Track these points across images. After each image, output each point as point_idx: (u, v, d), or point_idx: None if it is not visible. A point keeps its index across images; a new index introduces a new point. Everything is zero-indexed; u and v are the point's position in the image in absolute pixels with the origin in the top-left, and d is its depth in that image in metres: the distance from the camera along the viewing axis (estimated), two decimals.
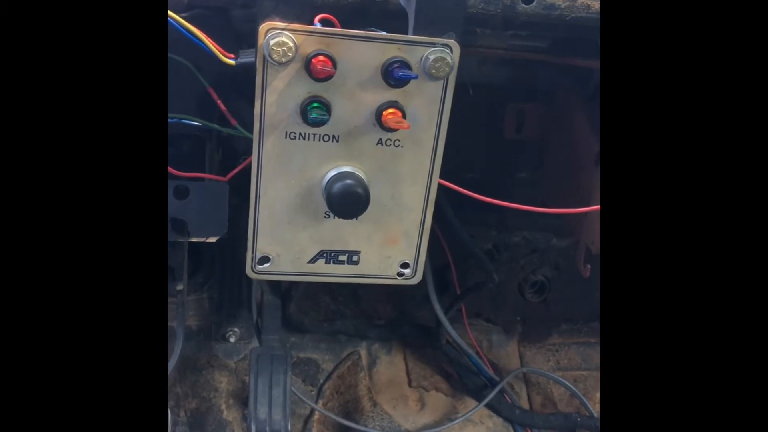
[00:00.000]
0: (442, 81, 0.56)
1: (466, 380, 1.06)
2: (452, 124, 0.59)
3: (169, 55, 0.57)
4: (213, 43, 0.55)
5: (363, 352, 1.11)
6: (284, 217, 0.61)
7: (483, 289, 1.00)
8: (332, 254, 0.64)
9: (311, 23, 0.54)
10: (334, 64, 0.54)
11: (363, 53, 0.55)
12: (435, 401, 1.09)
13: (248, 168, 0.60)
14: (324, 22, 0.55)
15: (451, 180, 0.63)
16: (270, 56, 0.53)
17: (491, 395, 1.00)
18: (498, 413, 1.03)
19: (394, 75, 0.55)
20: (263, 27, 0.52)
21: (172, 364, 0.79)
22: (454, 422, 1.02)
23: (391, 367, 1.12)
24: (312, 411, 1.01)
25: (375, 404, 1.06)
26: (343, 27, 0.55)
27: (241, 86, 0.63)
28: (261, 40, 0.52)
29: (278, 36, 0.52)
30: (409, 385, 1.10)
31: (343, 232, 0.63)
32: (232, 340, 1.05)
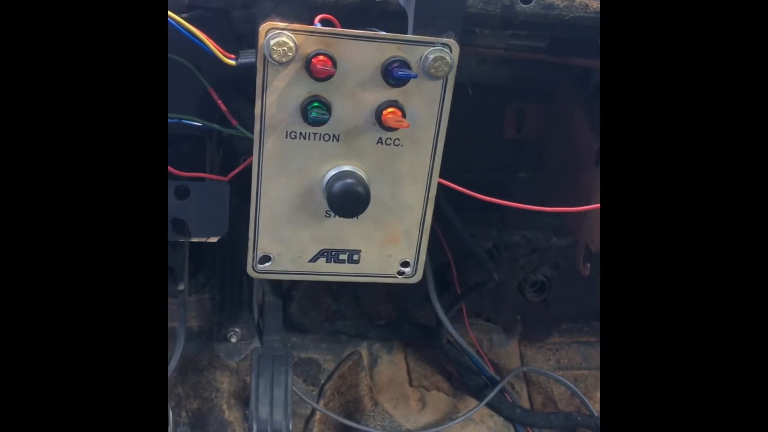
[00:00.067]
0: (442, 80, 0.57)
1: (467, 380, 1.06)
2: (452, 124, 0.59)
3: (169, 55, 0.58)
4: (213, 43, 0.55)
5: (364, 352, 1.11)
6: (285, 216, 0.61)
7: (483, 289, 1.00)
8: (333, 253, 0.64)
9: (311, 23, 0.54)
10: (335, 64, 0.54)
11: (363, 53, 0.55)
12: (436, 401, 1.09)
13: (249, 168, 0.60)
14: (324, 22, 0.55)
15: (451, 180, 0.63)
16: (270, 56, 0.53)
17: (492, 394, 1.00)
18: (499, 412, 1.03)
19: (393, 74, 0.55)
20: (263, 27, 0.53)
21: (173, 364, 0.79)
22: (455, 421, 1.02)
23: (392, 366, 1.12)
24: (313, 411, 1.01)
25: (376, 404, 1.06)
26: (343, 27, 0.55)
27: (241, 86, 0.63)
28: (261, 40, 0.53)
29: (278, 36, 0.52)
30: (410, 384, 1.10)
31: (344, 231, 0.63)
32: (233, 340, 1.05)
